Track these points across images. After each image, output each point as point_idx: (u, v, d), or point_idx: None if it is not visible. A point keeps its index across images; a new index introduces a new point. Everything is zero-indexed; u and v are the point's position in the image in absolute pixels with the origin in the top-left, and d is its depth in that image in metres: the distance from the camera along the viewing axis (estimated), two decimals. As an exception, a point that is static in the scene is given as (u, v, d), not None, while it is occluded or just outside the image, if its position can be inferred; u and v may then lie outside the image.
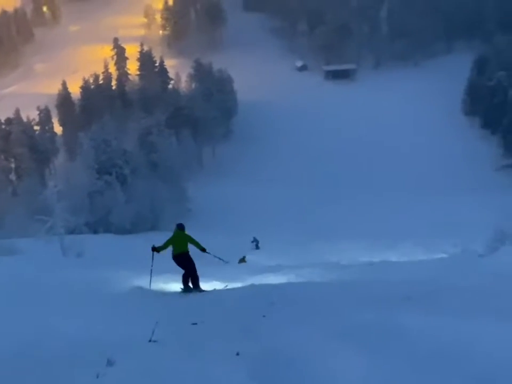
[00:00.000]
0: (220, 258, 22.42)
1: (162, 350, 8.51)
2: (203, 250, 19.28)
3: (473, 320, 8.42)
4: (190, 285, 18.87)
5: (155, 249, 19.44)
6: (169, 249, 19.53)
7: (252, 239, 58.50)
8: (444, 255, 38.87)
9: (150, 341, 9.33)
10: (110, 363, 7.80)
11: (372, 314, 9.16)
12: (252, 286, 17.15)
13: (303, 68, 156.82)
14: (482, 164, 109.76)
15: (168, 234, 19.66)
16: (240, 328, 9.69)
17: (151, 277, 19.14)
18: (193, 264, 18.94)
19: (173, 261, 19.34)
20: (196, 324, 11.25)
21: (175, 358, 7.82)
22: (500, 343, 7.35)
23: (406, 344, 7.61)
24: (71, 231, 61.65)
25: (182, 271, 19.16)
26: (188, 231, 19.66)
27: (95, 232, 76.47)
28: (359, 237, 67.55)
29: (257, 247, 56.95)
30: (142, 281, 19.79)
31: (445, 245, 55.58)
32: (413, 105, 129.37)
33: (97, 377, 7.29)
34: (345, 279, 18.49)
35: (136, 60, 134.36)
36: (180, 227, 19.65)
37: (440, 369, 6.94)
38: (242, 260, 39.57)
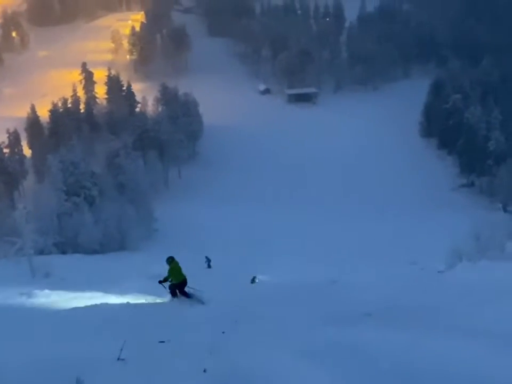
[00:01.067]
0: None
1: (130, 368, 8.46)
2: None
3: (431, 336, 8.49)
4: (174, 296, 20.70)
5: (160, 282, 21.15)
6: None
7: (205, 259, 58.29)
8: (404, 272, 39.12)
9: (118, 359, 9.27)
10: (79, 381, 7.75)
11: (334, 331, 9.20)
12: (216, 304, 17.13)
13: (266, 92, 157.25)
14: (439, 184, 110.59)
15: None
16: (206, 346, 9.67)
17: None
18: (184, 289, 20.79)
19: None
20: (164, 342, 11.20)
21: (143, 376, 7.79)
22: (457, 359, 7.42)
23: (366, 360, 7.63)
24: (40, 252, 60.98)
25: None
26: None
27: (64, 252, 75.65)
28: (320, 255, 67.68)
29: (209, 266, 56.75)
30: (109, 300, 19.67)
31: (405, 263, 55.94)
32: (372, 128, 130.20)
33: (67, 396, 7.24)
34: (308, 296, 18.49)
35: (104, 83, 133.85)
36: (172, 260, 20.86)
37: (399, 384, 6.99)
38: (253, 281, 38.90)
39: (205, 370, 7.85)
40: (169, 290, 20.94)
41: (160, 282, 21.24)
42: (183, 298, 20.53)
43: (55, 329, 13.28)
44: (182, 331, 12.47)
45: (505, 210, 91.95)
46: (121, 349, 9.43)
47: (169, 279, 20.80)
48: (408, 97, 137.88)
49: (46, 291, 24.77)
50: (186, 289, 20.86)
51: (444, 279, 20.53)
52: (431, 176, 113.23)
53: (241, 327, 12.06)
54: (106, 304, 18.59)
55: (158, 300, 20.27)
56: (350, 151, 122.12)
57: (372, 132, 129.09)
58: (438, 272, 29.43)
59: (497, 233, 47.26)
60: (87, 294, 22.42)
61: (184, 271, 20.73)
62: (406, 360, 7.52)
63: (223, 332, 11.88)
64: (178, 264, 20.81)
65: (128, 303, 19.87)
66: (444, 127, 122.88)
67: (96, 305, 18.86)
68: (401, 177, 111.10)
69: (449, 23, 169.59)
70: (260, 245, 75.74)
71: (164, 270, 20.76)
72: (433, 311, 12.36)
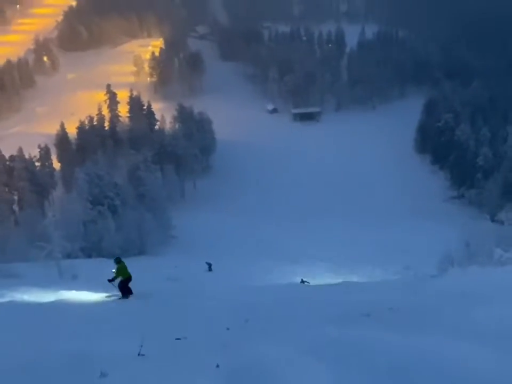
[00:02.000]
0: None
1: (149, 363, 8.45)
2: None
3: (426, 336, 8.46)
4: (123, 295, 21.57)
5: (110, 281, 22.22)
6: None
7: (206, 263, 58.21)
8: (399, 277, 38.99)
9: (138, 354, 9.27)
10: (103, 375, 7.74)
11: (336, 331, 9.16)
12: (227, 303, 17.11)
13: (273, 111, 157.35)
14: (432, 195, 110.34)
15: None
16: (219, 343, 9.65)
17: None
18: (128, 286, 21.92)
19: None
20: (180, 339, 11.19)
21: (161, 371, 7.78)
22: (447, 356, 7.38)
23: (364, 357, 7.61)
24: (67, 256, 61.06)
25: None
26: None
27: (89, 256, 75.77)
28: (323, 260, 67.57)
29: (210, 269, 56.72)
30: (130, 300, 19.69)
31: (400, 268, 55.77)
32: (370, 144, 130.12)
33: (91, 388, 7.24)
34: (311, 298, 18.45)
35: (127, 103, 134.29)
36: (119, 260, 22.47)
37: (398, 381, 6.95)
38: (303, 281, 38.19)
39: (217, 366, 7.83)
40: (118, 288, 21.83)
41: (109, 280, 22.19)
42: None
43: (81, 326, 13.29)
44: (197, 329, 12.45)
45: (492, 220, 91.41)
46: (141, 345, 9.43)
47: (117, 277, 21.91)
48: (404, 116, 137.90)
49: (73, 292, 24.82)
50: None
51: (436, 283, 20.45)
52: (424, 188, 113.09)
53: (251, 326, 12.04)
54: (128, 302, 18.60)
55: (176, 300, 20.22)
56: (350, 165, 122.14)
57: (370, 147, 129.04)
58: (431, 276, 29.30)
59: (486, 241, 47.06)
60: (111, 294, 22.47)
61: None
62: (401, 357, 7.50)
63: (228, 329, 11.90)
64: (124, 263, 22.17)
65: (147, 302, 19.86)
66: (436, 144, 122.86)
67: (118, 304, 18.88)
68: (397, 189, 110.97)
69: (442, 48, 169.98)
70: (265, 250, 75.69)
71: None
72: (426, 312, 12.32)
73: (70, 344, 10.42)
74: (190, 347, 9.96)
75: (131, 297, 21.33)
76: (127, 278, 21.90)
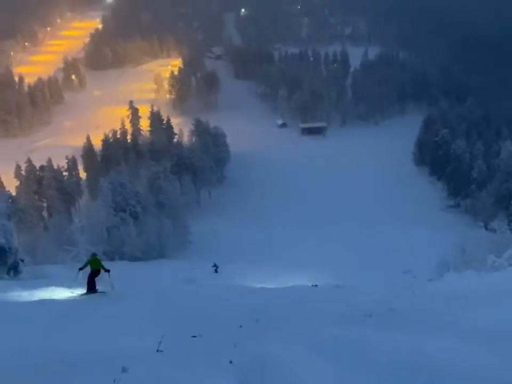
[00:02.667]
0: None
1: (167, 359, 8.44)
2: (107, 271, 22.19)
3: (425, 335, 8.41)
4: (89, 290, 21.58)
5: (80, 269, 22.41)
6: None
7: (212, 265, 58.23)
8: (399, 280, 38.85)
9: (157, 351, 9.26)
10: (124, 369, 7.74)
11: (340, 330, 9.13)
12: (239, 304, 17.07)
13: (283, 125, 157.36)
14: (430, 205, 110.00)
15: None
16: (232, 341, 9.63)
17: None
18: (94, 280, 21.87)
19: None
20: (196, 336, 11.17)
21: (178, 366, 7.77)
22: (449, 356, 7.34)
23: (366, 355, 7.57)
24: (92, 259, 61.30)
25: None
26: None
27: (112, 259, 75.73)
28: (329, 264, 67.42)
29: (216, 271, 56.70)
30: (153, 300, 19.67)
31: (400, 271, 55.62)
32: (373, 157, 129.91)
33: (114, 381, 7.23)
34: (317, 299, 18.40)
35: (148, 118, 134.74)
36: (94, 255, 23.05)
37: (398, 378, 6.91)
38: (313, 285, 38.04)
39: (231, 362, 7.82)
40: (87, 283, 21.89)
41: (79, 269, 22.58)
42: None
43: (103, 323, 13.28)
44: (211, 327, 12.43)
45: (486, 228, 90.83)
46: (160, 342, 9.42)
47: (86, 266, 22.27)
48: (404, 131, 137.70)
49: (96, 292, 24.78)
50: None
51: (434, 286, 20.38)
52: (423, 198, 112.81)
53: (262, 325, 12.01)
54: (146, 302, 18.58)
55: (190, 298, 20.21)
56: (354, 176, 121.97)
57: (373, 160, 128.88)
58: (429, 280, 29.18)
59: (480, 248, 46.85)
60: (131, 293, 22.48)
61: None
62: (401, 354, 7.46)
63: (241, 326, 11.88)
64: (98, 259, 22.68)
65: (165, 301, 19.84)
66: (434, 157, 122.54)
67: (137, 303, 18.85)
68: (398, 198, 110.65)
69: (439, 68, 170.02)
70: (274, 254, 75.63)
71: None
72: (424, 313, 12.27)
73: (95, 340, 10.44)
74: (205, 344, 9.95)
75: (100, 295, 21.31)
76: (95, 270, 21.94)
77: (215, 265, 57.56)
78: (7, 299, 19.03)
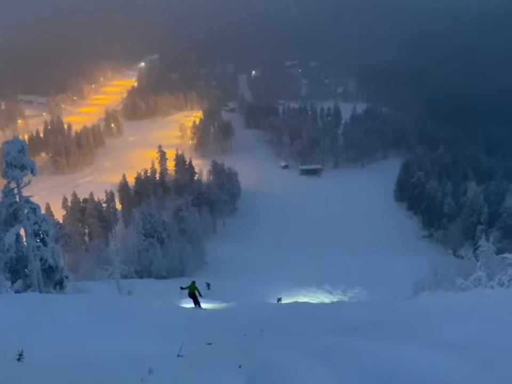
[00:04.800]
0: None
1: (186, 363, 8.37)
2: (200, 295, 24.84)
3: (404, 346, 8.32)
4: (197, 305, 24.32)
5: (182, 288, 25.24)
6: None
7: (205, 283, 57.33)
8: (382, 297, 38.52)
9: (178, 355, 9.17)
10: (150, 371, 7.66)
11: (332, 340, 9.05)
12: (247, 316, 16.95)
13: (285, 167, 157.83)
14: (408, 234, 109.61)
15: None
16: (241, 348, 9.54)
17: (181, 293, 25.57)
18: (196, 299, 24.57)
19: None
20: (210, 344, 11.08)
21: (196, 369, 7.69)
22: (424, 364, 7.26)
23: (355, 361, 7.50)
24: (125, 276, 61.11)
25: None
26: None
27: (141, 277, 75.77)
28: (323, 283, 67.08)
29: (208, 289, 55.91)
30: (173, 312, 19.51)
31: (382, 290, 55.14)
32: (360, 194, 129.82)
33: (142, 380, 7.16)
34: (313, 313, 18.25)
35: (173, 159, 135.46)
36: (194, 282, 25.23)
37: (380, 380, 6.84)
38: (279, 300, 37.72)
39: (240, 366, 7.74)
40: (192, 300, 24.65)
41: (181, 288, 25.40)
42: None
43: (133, 330, 13.18)
44: (223, 336, 12.33)
45: (455, 255, 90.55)
46: (181, 348, 9.33)
47: (185, 289, 24.90)
48: (386, 172, 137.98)
49: (130, 303, 24.66)
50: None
51: (411, 303, 20.18)
52: (401, 229, 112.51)
53: (266, 335, 11.90)
54: (170, 314, 18.42)
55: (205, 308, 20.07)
56: (344, 210, 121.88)
57: (360, 197, 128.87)
58: (407, 298, 28.90)
59: (450, 271, 46.59)
60: (158, 305, 22.29)
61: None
62: (385, 362, 7.38)
63: (245, 335, 11.79)
64: (195, 285, 24.92)
65: (187, 315, 19.68)
66: (411, 194, 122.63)
67: (162, 314, 18.69)
68: (380, 229, 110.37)
69: (415, 121, 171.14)
70: (277, 274, 75.23)
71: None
72: (404, 326, 12.14)
73: (126, 345, 10.36)
74: (218, 351, 9.86)
75: (198, 308, 23.59)
76: (192, 293, 24.45)
77: (207, 284, 57.08)
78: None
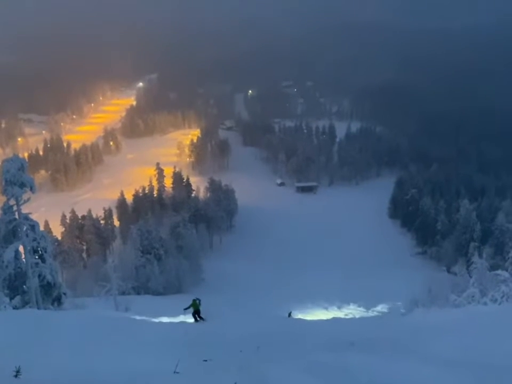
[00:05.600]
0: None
1: (182, 380, 8.30)
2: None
3: (398, 361, 8.30)
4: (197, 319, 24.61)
5: (185, 309, 25.40)
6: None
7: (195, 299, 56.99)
8: (377, 314, 38.41)
9: (174, 372, 9.10)
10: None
11: (328, 355, 9.00)
12: (243, 333, 16.84)
13: (281, 184, 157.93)
14: (402, 251, 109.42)
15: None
16: (237, 365, 9.47)
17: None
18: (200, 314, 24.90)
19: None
20: (206, 360, 11.00)
21: (192, 385, 7.65)
22: (418, 378, 7.24)
23: (350, 377, 7.46)
24: (122, 293, 60.79)
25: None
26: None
27: (139, 293, 75.33)
28: (318, 299, 66.84)
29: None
30: (171, 328, 19.38)
31: (377, 306, 55.04)
32: (355, 211, 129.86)
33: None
34: (309, 329, 18.16)
35: (171, 177, 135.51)
36: (196, 299, 25.63)
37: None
38: (290, 315, 37.28)
39: (235, 383, 7.69)
40: (193, 316, 24.95)
41: (184, 309, 25.59)
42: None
43: (130, 346, 13.09)
44: (220, 353, 12.24)
45: (448, 271, 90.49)
46: (177, 365, 9.26)
47: (189, 308, 25.18)
48: (380, 190, 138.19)
49: (126, 319, 24.49)
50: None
51: (406, 319, 20.10)
52: (396, 245, 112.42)
53: (262, 351, 11.84)
54: (167, 331, 18.30)
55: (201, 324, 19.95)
56: (339, 226, 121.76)
57: (354, 213, 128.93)
58: (401, 314, 28.79)
59: (443, 288, 46.44)
60: (155, 322, 22.16)
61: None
62: (379, 378, 7.35)
63: (241, 351, 11.72)
64: (197, 302, 25.40)
65: (184, 331, 19.54)
66: (405, 212, 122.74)
67: (159, 330, 18.56)
68: (375, 246, 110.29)
69: (408, 140, 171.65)
70: (273, 290, 74.98)
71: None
72: (398, 341, 12.10)
73: (123, 362, 10.28)
74: (215, 367, 9.79)
75: (201, 322, 24.12)
76: (196, 310, 24.92)
77: (197, 299, 56.83)
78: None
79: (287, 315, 37.71)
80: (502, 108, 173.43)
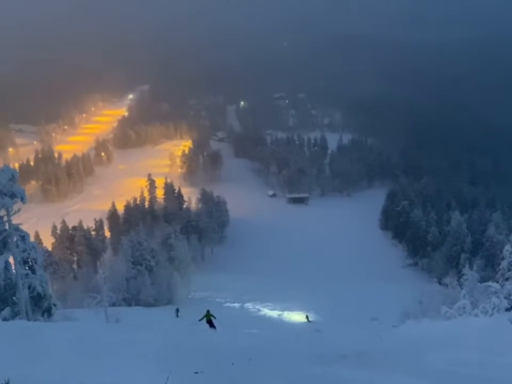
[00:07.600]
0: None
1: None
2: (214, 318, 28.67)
3: (389, 373, 8.29)
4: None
5: (200, 320, 28.62)
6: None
7: (175, 309, 56.99)
8: (368, 326, 38.31)
9: (165, 385, 9.05)
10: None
11: (319, 368, 8.98)
12: (235, 345, 16.76)
13: (273, 196, 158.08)
14: (393, 263, 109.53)
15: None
16: (228, 377, 9.43)
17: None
18: (213, 323, 28.12)
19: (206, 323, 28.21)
20: (197, 373, 10.94)
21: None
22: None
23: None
24: (113, 304, 60.31)
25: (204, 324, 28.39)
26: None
27: (129, 305, 74.76)
28: (308, 311, 66.59)
29: (177, 315, 55.45)
30: (162, 340, 19.26)
31: (368, 319, 54.91)
32: (346, 222, 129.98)
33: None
34: (301, 341, 18.12)
35: (162, 188, 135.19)
36: (209, 311, 28.77)
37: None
38: (308, 319, 38.12)
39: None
40: (208, 324, 28.03)
41: (199, 320, 28.73)
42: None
43: (120, 359, 12.99)
44: (211, 365, 12.17)
45: (439, 283, 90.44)
46: (168, 377, 9.21)
47: (203, 319, 28.36)
48: (371, 202, 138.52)
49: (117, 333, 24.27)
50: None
51: (397, 331, 20.10)
52: (387, 257, 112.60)
53: (253, 363, 11.78)
54: (157, 343, 18.18)
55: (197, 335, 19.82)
56: (331, 238, 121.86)
57: (346, 225, 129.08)
58: (392, 326, 28.77)
59: (434, 300, 46.42)
60: (146, 334, 21.97)
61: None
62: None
63: (232, 363, 11.66)
64: (210, 313, 28.61)
65: (175, 343, 19.41)
66: (396, 223, 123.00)
67: (149, 343, 18.44)
68: (366, 257, 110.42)
69: (399, 152, 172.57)
70: (264, 302, 74.75)
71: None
72: (389, 354, 12.08)
73: (114, 374, 10.20)
74: (205, 380, 9.74)
75: (212, 330, 26.77)
76: (209, 320, 28.10)
77: (177, 310, 56.75)
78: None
79: (305, 319, 39.94)
80: (493, 120, 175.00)
